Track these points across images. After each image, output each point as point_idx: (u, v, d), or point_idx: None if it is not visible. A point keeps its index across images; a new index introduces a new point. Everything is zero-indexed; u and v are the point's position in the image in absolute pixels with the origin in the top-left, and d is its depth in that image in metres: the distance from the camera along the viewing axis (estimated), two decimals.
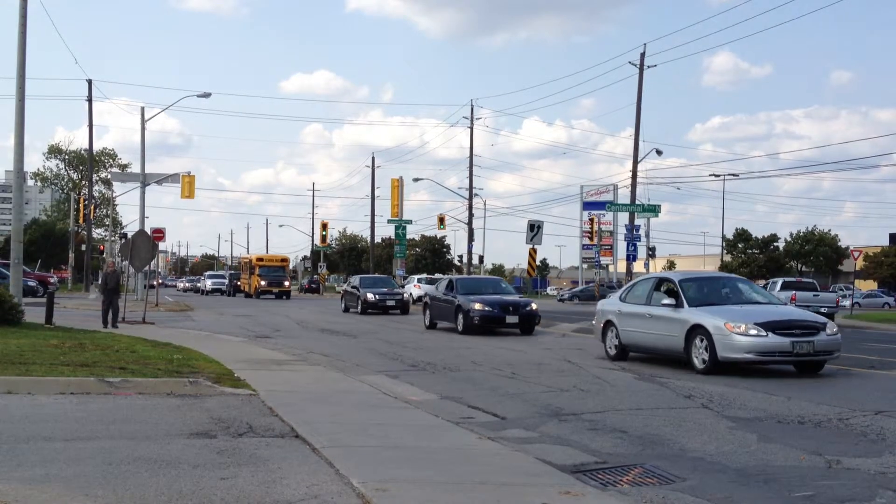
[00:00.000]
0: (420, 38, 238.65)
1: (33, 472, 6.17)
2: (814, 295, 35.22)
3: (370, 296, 34.58)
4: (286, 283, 56.94)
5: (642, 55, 46.62)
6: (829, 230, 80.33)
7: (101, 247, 77.25)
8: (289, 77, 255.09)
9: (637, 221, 49.12)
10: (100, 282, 23.49)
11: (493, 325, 23.20)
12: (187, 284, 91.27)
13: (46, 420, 8.29)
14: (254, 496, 5.66)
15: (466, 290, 24.29)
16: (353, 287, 37.15)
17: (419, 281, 52.17)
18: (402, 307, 35.22)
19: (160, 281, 77.71)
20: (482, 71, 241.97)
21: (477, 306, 22.89)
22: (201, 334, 21.11)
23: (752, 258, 75.05)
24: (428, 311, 25.97)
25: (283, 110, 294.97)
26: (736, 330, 13.20)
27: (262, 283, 55.60)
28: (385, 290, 36.04)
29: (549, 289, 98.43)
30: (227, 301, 53.40)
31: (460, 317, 23.27)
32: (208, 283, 73.71)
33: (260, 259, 60.18)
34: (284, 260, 63.42)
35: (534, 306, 23.96)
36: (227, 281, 71.46)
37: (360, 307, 34.69)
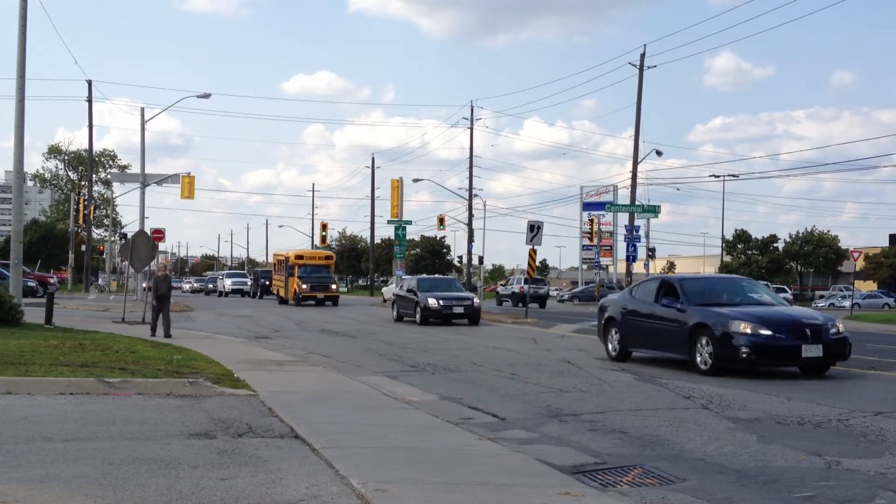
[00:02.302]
0: (422, 38, 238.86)
1: (33, 473, 6.17)
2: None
3: (432, 301, 28.40)
4: (333, 287, 46.08)
5: (642, 56, 46.68)
6: (829, 231, 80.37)
7: (101, 247, 77.45)
8: (290, 78, 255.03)
9: (637, 222, 49.17)
10: (150, 288, 22.32)
11: (777, 361, 13.62)
12: (196, 285, 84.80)
13: (46, 420, 8.29)
14: (253, 497, 5.66)
15: (700, 299, 14.50)
16: (408, 290, 30.44)
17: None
18: (471, 316, 28.83)
19: None
20: (483, 71, 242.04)
21: (743, 327, 13.19)
22: (201, 335, 21.11)
23: (753, 259, 74.98)
24: (615, 331, 16.12)
25: (284, 111, 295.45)
26: None
27: (304, 286, 44.55)
28: (450, 294, 29.68)
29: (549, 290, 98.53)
30: (238, 303, 49.90)
31: (703, 345, 13.56)
32: (227, 283, 66.34)
33: (299, 257, 47.55)
34: (329, 257, 50.37)
35: (840, 327, 13.90)
36: (249, 281, 64.50)
37: (418, 315, 28.61)
